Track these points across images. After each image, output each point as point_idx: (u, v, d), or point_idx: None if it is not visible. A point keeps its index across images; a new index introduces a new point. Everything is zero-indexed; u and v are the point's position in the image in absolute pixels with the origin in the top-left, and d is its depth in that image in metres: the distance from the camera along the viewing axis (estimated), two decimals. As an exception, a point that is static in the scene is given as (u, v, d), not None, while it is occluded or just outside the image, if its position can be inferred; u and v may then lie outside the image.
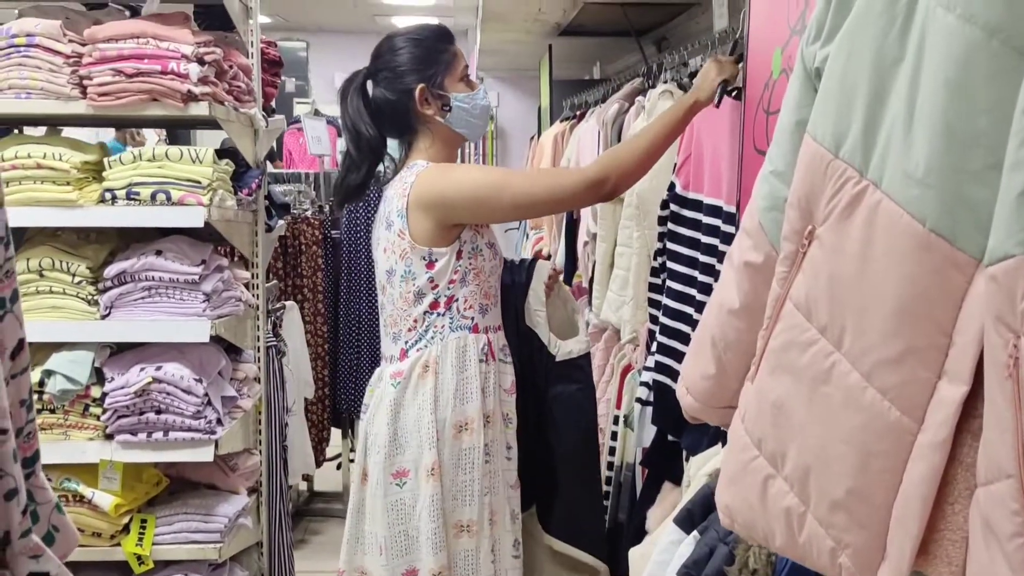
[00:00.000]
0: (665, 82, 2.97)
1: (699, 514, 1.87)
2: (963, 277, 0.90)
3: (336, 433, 4.84)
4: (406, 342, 2.19)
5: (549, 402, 2.38)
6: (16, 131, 2.94)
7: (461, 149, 2.81)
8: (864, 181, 1.00)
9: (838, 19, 1.08)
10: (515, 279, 2.41)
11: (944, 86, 0.90)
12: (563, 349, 2.40)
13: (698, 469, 2.10)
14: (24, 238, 2.73)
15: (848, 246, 1.01)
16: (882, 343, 0.96)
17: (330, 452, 4.82)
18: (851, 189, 1.01)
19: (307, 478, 4.75)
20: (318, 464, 4.52)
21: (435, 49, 2.24)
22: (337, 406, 4.69)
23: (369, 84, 2.26)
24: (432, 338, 2.17)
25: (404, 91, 2.21)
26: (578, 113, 4.57)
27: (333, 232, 4.68)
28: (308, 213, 4.60)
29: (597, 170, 2.13)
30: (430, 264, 2.15)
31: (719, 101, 2.25)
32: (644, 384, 2.69)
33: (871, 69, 1.00)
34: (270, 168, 3.90)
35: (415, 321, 2.18)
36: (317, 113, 7.31)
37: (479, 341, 2.20)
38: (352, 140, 2.26)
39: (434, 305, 2.17)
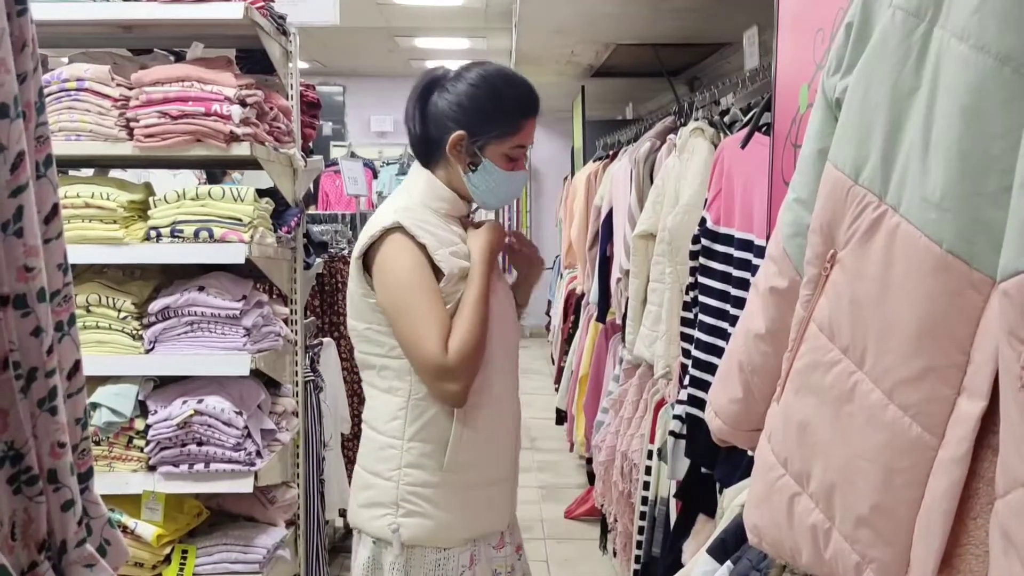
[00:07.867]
0: (696, 120, 3.01)
1: (732, 543, 1.87)
2: (980, 296, 0.92)
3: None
4: None
5: None
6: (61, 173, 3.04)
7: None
8: (883, 206, 1.02)
9: (857, 51, 1.11)
10: None
11: (959, 113, 0.93)
12: None
13: (731, 500, 2.11)
14: (72, 274, 2.81)
15: (869, 269, 1.03)
16: (903, 362, 0.98)
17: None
18: (871, 214, 1.04)
19: (343, 514, 4.76)
20: (354, 500, 4.53)
21: (502, 110, 2.02)
22: (373, 443, 4.70)
23: (438, 91, 2.05)
24: None
25: (445, 126, 2.02)
26: (611, 152, 4.62)
27: (369, 271, 4.70)
28: (345, 252, 4.66)
29: (451, 360, 1.90)
30: None
31: (745, 142, 2.29)
32: (677, 417, 2.71)
33: (888, 99, 1.03)
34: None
35: None
36: (353, 155, 7.43)
37: None
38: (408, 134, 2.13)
39: None
